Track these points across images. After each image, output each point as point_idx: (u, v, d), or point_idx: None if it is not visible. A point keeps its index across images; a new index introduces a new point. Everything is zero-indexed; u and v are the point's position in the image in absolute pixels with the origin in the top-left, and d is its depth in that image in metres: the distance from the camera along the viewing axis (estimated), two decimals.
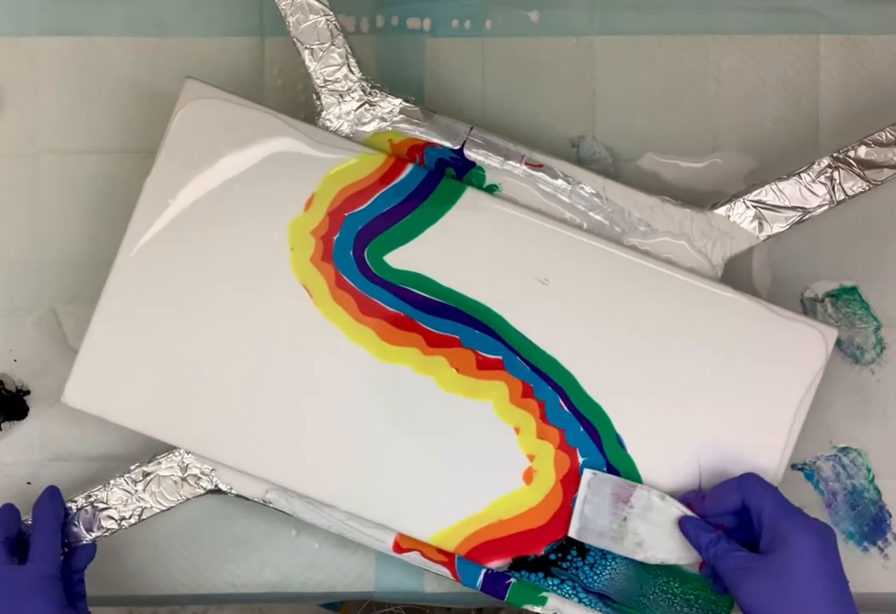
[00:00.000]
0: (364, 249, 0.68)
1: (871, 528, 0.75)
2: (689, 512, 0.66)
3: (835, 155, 0.69)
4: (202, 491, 0.70)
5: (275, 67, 0.75)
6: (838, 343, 0.74)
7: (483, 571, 0.70)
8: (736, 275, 0.73)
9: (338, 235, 0.68)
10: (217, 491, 0.70)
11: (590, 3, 0.76)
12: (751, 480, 0.65)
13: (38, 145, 0.75)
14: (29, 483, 0.75)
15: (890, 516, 0.75)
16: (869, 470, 0.75)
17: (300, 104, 0.75)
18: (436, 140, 0.70)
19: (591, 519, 0.67)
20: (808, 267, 0.75)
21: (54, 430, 0.75)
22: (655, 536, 0.67)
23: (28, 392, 0.75)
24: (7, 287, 0.75)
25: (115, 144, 0.75)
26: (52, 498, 0.69)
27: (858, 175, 0.69)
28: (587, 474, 0.68)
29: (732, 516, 0.66)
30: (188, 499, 0.70)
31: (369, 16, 0.76)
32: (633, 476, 0.68)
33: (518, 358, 0.68)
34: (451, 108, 0.75)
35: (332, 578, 0.75)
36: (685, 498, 0.67)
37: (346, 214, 0.68)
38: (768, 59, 0.76)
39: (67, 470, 0.75)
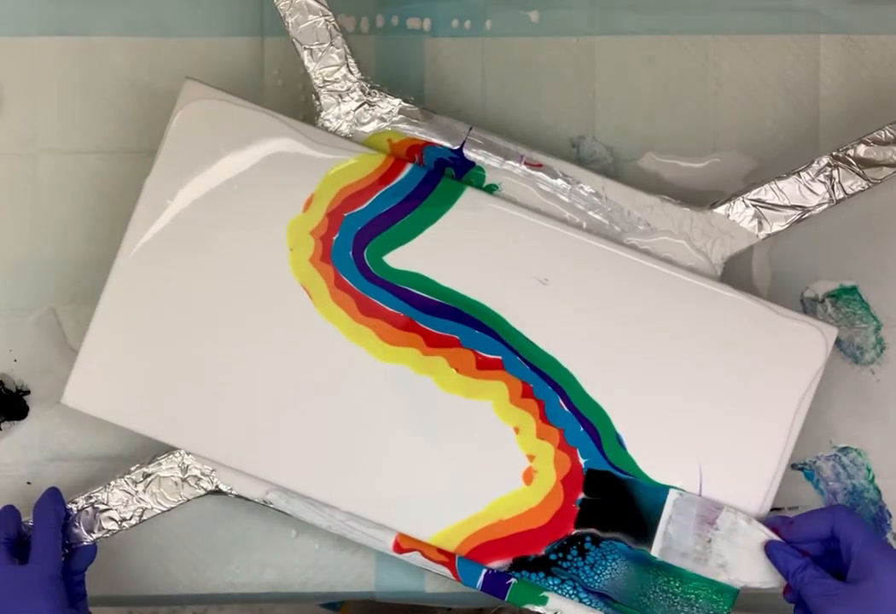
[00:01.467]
0: (363, 249, 0.68)
1: (872, 528, 0.75)
2: (776, 537, 0.67)
3: (834, 153, 0.69)
4: (203, 492, 0.70)
5: (275, 67, 0.75)
6: (838, 343, 0.75)
7: (484, 571, 0.70)
8: (736, 274, 0.73)
9: (337, 235, 0.68)
10: (217, 491, 0.70)
11: (590, 3, 0.76)
12: (842, 511, 0.66)
13: (38, 145, 0.75)
14: (29, 483, 0.75)
15: (890, 516, 0.75)
16: (869, 470, 0.75)
17: (300, 104, 0.75)
18: (435, 140, 0.70)
19: (674, 539, 0.68)
20: (808, 267, 0.75)
21: (54, 430, 0.75)
22: (739, 559, 0.67)
23: (28, 392, 0.75)
24: (7, 287, 0.75)
25: (115, 144, 0.75)
26: (53, 498, 0.69)
27: (858, 173, 0.69)
28: (673, 494, 0.68)
29: (817, 544, 0.66)
30: (189, 500, 0.70)
31: (369, 16, 0.76)
32: (634, 474, 0.68)
33: (518, 358, 0.68)
34: (451, 108, 0.75)
35: (332, 578, 0.75)
36: (770, 522, 0.68)
37: (346, 214, 0.68)
38: (768, 59, 0.76)
39: (67, 470, 0.75)
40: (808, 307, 0.75)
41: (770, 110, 0.76)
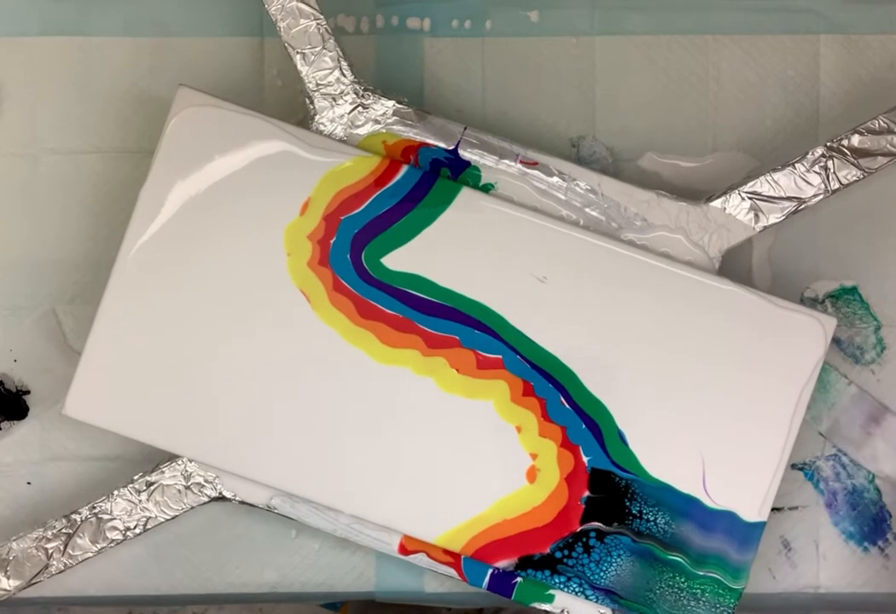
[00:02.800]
0: (361, 252, 0.68)
1: (871, 528, 0.75)
2: None
3: (828, 144, 0.69)
4: (206, 499, 0.70)
5: (274, 67, 0.75)
6: (838, 343, 0.75)
7: (490, 571, 0.70)
8: (736, 274, 0.73)
9: (334, 239, 0.68)
10: (221, 498, 0.70)
11: (590, 3, 0.76)
12: None
13: (38, 145, 0.75)
14: (29, 483, 0.75)
15: (890, 516, 0.75)
16: (869, 470, 0.75)
17: (299, 104, 0.75)
18: (430, 140, 0.70)
19: (841, 425, 0.73)
20: (808, 267, 0.75)
21: (54, 430, 0.75)
22: (891, 457, 0.73)
23: (28, 392, 0.75)
24: (7, 287, 0.75)
25: (114, 144, 0.75)
26: None
27: (853, 163, 0.69)
28: (852, 388, 0.73)
29: None
30: (192, 508, 0.70)
31: (369, 16, 0.76)
32: (636, 471, 0.68)
33: (518, 356, 0.68)
34: (451, 108, 0.75)
35: (332, 578, 0.75)
36: None
37: (343, 218, 0.68)
38: (768, 59, 0.76)
39: (67, 470, 0.75)
40: (809, 307, 0.75)
41: (770, 110, 0.76)
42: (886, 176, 0.74)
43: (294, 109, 0.74)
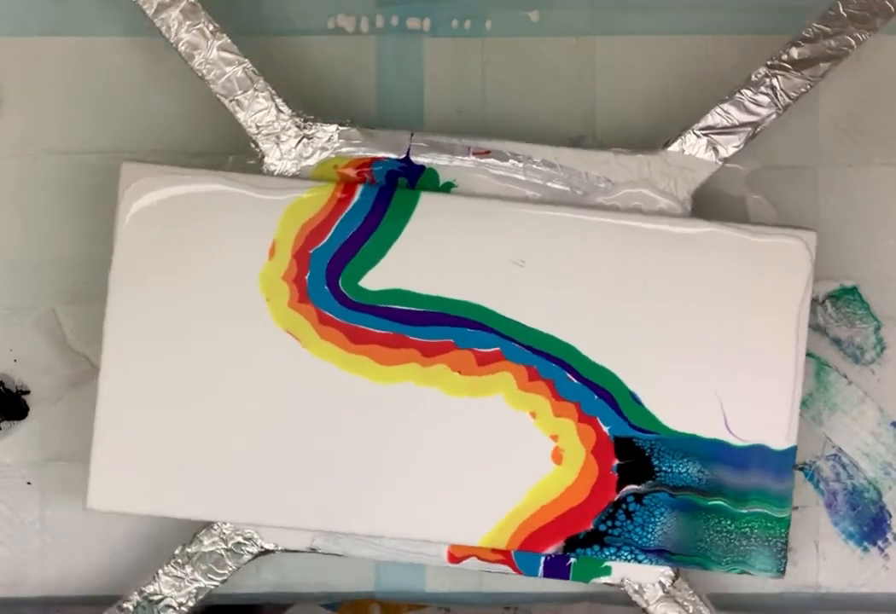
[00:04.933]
0: (338, 280, 0.68)
1: (871, 528, 0.75)
2: None
3: (769, 63, 0.69)
4: (251, 556, 0.70)
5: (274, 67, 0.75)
6: (838, 343, 0.75)
7: (542, 559, 0.70)
8: None
9: (308, 274, 0.68)
10: (265, 552, 0.70)
11: (590, 3, 0.76)
12: None
13: (38, 145, 0.75)
14: (29, 483, 0.75)
15: (890, 516, 0.75)
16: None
17: (300, 101, 0.74)
18: (380, 154, 0.70)
19: None
20: None
21: (54, 430, 0.75)
22: None
23: (28, 392, 0.75)
24: (7, 287, 0.75)
25: (115, 144, 0.75)
26: None
27: (797, 76, 0.69)
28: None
29: None
30: (239, 568, 0.70)
31: (369, 16, 0.76)
32: (657, 429, 0.68)
33: (515, 344, 0.69)
34: (451, 108, 0.75)
35: (332, 578, 0.75)
36: None
37: (311, 251, 0.68)
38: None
39: (67, 470, 0.75)
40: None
41: None
42: (886, 176, 0.74)
43: (295, 106, 0.74)
